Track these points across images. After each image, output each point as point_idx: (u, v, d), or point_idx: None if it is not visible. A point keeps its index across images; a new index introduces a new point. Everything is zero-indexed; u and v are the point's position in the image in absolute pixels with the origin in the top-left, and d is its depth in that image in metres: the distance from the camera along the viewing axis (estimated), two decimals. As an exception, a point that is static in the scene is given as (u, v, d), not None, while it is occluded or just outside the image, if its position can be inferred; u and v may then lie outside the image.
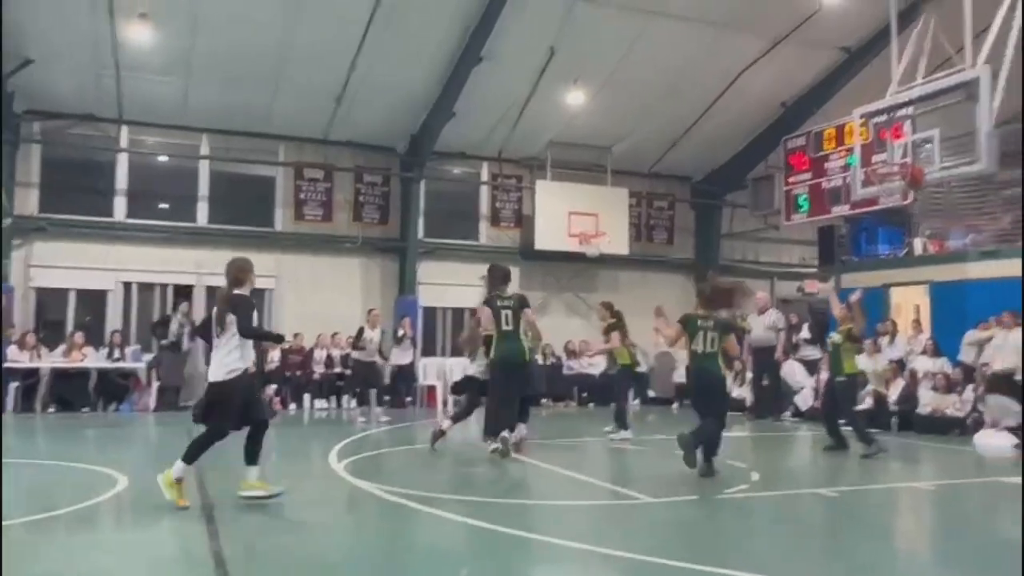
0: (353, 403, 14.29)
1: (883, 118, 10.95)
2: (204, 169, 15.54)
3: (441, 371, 15.83)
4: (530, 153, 17.21)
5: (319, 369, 14.80)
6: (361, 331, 13.22)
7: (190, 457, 5.96)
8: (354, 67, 13.81)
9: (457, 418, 10.05)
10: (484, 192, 17.56)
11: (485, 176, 17.52)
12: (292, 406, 14.39)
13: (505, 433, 8.67)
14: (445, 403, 15.39)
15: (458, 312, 17.07)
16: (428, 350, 16.52)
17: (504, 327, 8.75)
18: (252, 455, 6.14)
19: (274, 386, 14.28)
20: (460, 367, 15.67)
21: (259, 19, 12.68)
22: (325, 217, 16.12)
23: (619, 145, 17.21)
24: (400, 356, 15.03)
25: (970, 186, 13.98)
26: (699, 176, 18.83)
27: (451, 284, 16.78)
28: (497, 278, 9.02)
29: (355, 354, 13.33)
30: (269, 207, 15.99)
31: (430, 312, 16.80)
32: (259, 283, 15.18)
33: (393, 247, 16.39)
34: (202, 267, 15.08)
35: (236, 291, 6.19)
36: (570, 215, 16.71)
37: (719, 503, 6.74)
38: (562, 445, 9.73)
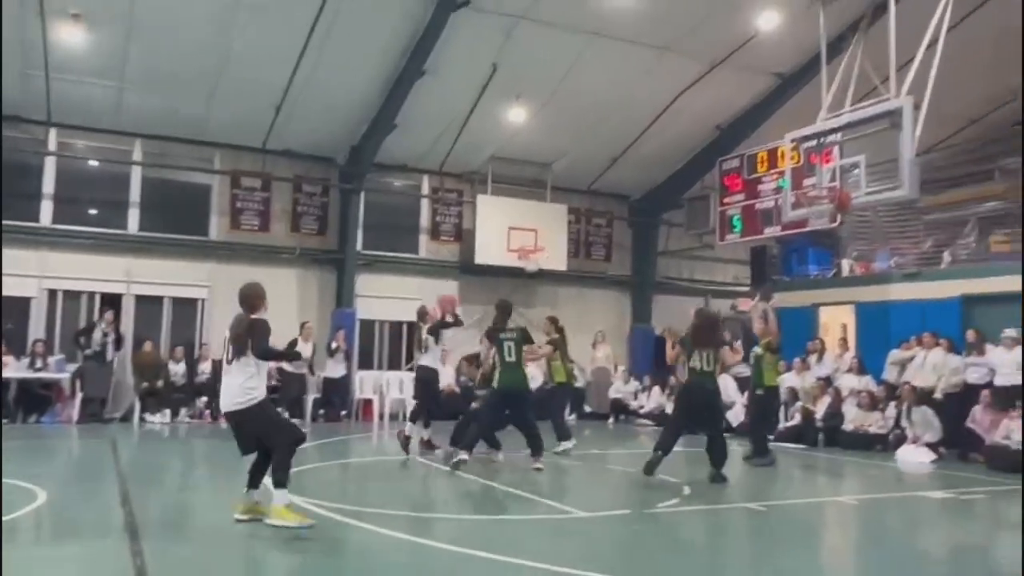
0: (286, 415, 14.09)
1: (813, 143, 11.28)
2: (136, 175, 15.13)
3: (378, 385, 15.71)
4: (471, 167, 17.26)
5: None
6: (294, 343, 13.06)
7: (281, 482, 5.74)
8: (294, 76, 13.67)
9: (414, 417, 10.26)
10: (424, 205, 17.52)
11: (426, 189, 17.49)
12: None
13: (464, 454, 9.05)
14: (382, 416, 15.28)
15: (396, 325, 16.97)
16: (365, 363, 16.36)
17: (507, 358, 9.21)
18: (280, 479, 5.79)
19: (204, 399, 13.98)
20: (397, 381, 15.73)
21: (197, 23, 12.46)
22: (262, 227, 15.87)
23: (559, 162, 17.39)
24: (334, 369, 14.91)
25: (894, 211, 14.53)
26: (637, 194, 19.13)
27: (390, 297, 16.66)
28: (501, 313, 9.62)
29: (285, 366, 13.23)
30: (204, 215, 15.65)
31: (367, 325, 16.65)
32: (192, 292, 15.17)
33: (331, 259, 16.22)
34: (132, 275, 14.69)
35: (253, 316, 6.09)
36: (510, 230, 16.79)
37: (651, 517, 6.85)
38: (499, 459, 9.73)
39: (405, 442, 10.02)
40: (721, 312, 11.33)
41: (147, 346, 14.30)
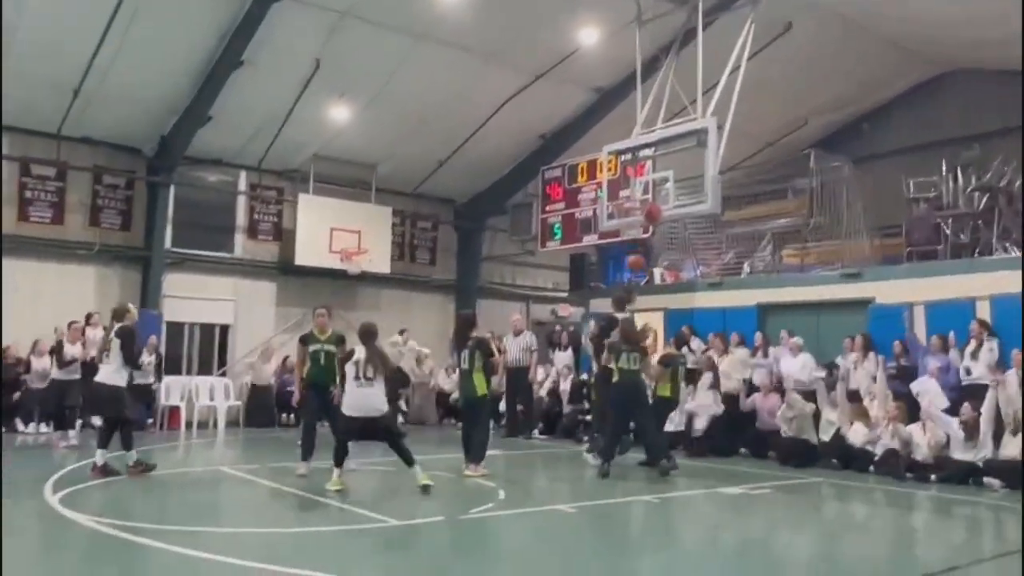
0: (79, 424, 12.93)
1: (628, 156, 11.80)
2: (-98, 157, 13.46)
3: (186, 391, 14.82)
4: (292, 165, 16.69)
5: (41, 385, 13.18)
6: (59, 345, 12.11)
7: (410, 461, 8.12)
8: (95, 59, 12.59)
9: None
10: (241, 202, 16.73)
11: (243, 186, 16.71)
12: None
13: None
14: (190, 424, 14.43)
15: (207, 328, 16.10)
16: (172, 368, 15.35)
17: (462, 367, 9.69)
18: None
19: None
20: (207, 387, 14.93)
21: (-20, -7, 11.23)
22: (55, 219, 14.53)
23: (384, 164, 17.18)
24: (140, 375, 13.87)
25: (700, 224, 15.47)
26: (463, 199, 19.24)
27: (201, 298, 15.80)
28: (464, 324, 10.11)
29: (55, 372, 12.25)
30: (-15, 206, 14.13)
31: (175, 327, 15.67)
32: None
33: (136, 256, 15.14)
34: None
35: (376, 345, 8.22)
36: (332, 231, 16.41)
37: (464, 523, 6.86)
38: (315, 469, 9.42)
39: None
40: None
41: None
